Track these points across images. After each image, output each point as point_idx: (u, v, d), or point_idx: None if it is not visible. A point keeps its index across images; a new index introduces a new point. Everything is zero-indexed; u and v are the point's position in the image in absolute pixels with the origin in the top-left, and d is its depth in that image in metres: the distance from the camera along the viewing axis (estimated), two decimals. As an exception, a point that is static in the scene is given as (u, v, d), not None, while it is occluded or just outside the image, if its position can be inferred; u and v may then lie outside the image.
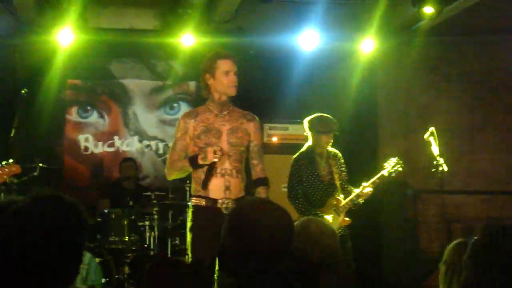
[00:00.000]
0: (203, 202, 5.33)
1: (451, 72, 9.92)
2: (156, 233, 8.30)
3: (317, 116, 6.89)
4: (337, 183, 6.91)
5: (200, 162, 5.25)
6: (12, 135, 6.65)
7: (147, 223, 8.36)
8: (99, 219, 8.33)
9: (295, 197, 6.73)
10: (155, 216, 8.32)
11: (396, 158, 7.12)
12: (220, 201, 5.29)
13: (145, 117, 10.18)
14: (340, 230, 6.58)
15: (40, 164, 6.96)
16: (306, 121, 6.92)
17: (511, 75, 9.83)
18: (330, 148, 6.94)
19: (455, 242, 3.67)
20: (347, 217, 6.84)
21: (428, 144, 7.00)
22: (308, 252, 3.00)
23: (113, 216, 8.31)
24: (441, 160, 6.90)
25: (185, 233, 5.68)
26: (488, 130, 9.82)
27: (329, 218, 6.62)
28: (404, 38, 9.46)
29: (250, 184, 5.55)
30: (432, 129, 7.02)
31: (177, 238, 8.41)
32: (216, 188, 5.30)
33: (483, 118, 9.83)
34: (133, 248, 8.32)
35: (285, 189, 7.00)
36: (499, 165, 9.74)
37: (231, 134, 5.41)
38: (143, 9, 9.34)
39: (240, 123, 5.49)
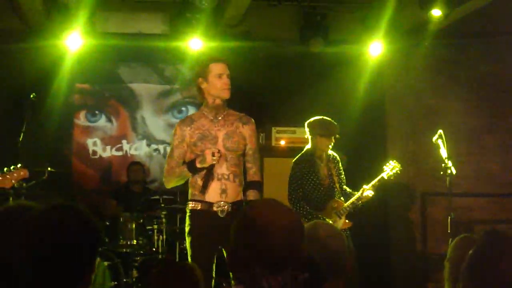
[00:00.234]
0: (199, 206, 5.34)
1: (459, 74, 9.90)
2: (164, 236, 8.31)
3: (318, 119, 6.90)
4: (337, 185, 6.92)
5: (199, 165, 5.25)
6: (20, 139, 6.66)
7: (155, 226, 8.37)
8: (107, 223, 8.36)
9: (296, 200, 6.72)
10: (163, 220, 8.32)
11: (394, 160, 7.15)
12: (215, 204, 5.30)
13: (153, 121, 10.19)
14: (341, 232, 6.59)
15: (49, 168, 6.97)
16: (307, 124, 6.93)
17: (519, 77, 9.81)
18: (329, 151, 6.95)
19: (458, 237, 3.65)
20: (347, 219, 6.86)
21: (436, 146, 7.00)
22: (315, 256, 3.00)
23: (121, 219, 8.33)
24: (449, 163, 6.90)
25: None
26: (496, 132, 9.80)
27: (330, 221, 6.62)
28: (412, 41, 9.46)
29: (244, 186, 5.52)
30: (440, 131, 7.01)
31: (185, 241, 8.42)
32: (213, 191, 5.31)
33: (491, 120, 9.81)
34: (142, 251, 8.34)
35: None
36: (507, 167, 9.72)
37: (227, 139, 5.39)
38: (151, 14, 9.36)
39: (235, 127, 5.46)
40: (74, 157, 10.01)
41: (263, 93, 9.85)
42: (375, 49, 9.27)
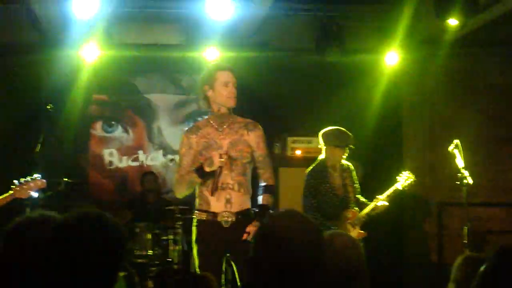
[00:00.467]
0: (204, 216, 5.36)
1: (476, 84, 9.86)
2: (180, 246, 8.31)
3: (332, 129, 6.87)
4: (351, 195, 6.89)
5: (207, 169, 5.24)
6: (37, 150, 6.70)
7: (170, 237, 8.38)
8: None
9: (309, 210, 6.68)
10: (179, 230, 8.33)
11: (408, 171, 7.12)
12: (220, 214, 5.30)
13: (170, 131, 10.21)
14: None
15: (65, 179, 7.00)
16: (321, 134, 6.90)
17: (536, 87, 9.76)
18: (343, 161, 6.93)
19: (461, 257, 3.57)
20: (362, 229, 6.84)
21: (453, 156, 6.96)
22: (332, 266, 2.98)
23: (137, 230, 8.34)
24: (466, 173, 6.86)
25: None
26: (513, 142, 9.75)
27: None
28: (428, 50, 9.42)
29: (256, 191, 5.51)
30: (456, 141, 6.97)
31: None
32: (217, 202, 5.31)
33: (508, 130, 9.75)
34: (157, 262, 8.35)
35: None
36: (525, 177, 9.66)
37: (231, 148, 5.36)
38: (167, 24, 9.40)
39: (240, 135, 5.43)
40: (90, 167, 10.05)
41: (278, 103, 9.86)
42: (391, 58, 9.25)
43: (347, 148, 6.85)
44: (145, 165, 10.13)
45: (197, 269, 5.30)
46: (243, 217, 5.29)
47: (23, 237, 2.60)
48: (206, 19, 8.18)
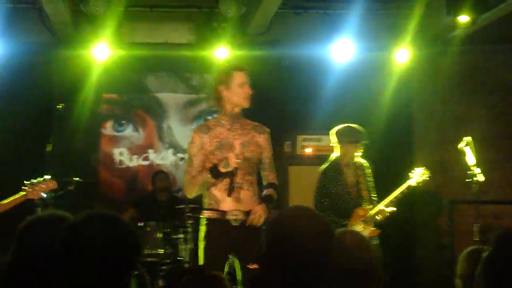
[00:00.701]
0: (214, 215, 5.38)
1: (487, 81, 9.82)
2: (191, 245, 8.32)
3: (344, 126, 6.84)
4: (365, 193, 6.86)
5: (222, 170, 5.26)
6: (48, 149, 6.71)
7: (181, 235, 8.38)
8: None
9: (321, 210, 6.63)
10: (189, 229, 8.33)
11: (423, 168, 7.06)
12: (229, 213, 5.34)
13: (180, 130, 10.22)
14: (369, 240, 6.53)
15: (76, 178, 7.01)
16: (334, 132, 6.87)
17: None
18: (357, 159, 6.90)
19: (465, 251, 3.56)
20: (376, 227, 6.80)
21: (464, 153, 6.93)
22: (343, 265, 2.98)
23: (147, 228, 8.35)
24: (477, 170, 6.81)
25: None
26: (524, 139, 9.70)
27: (357, 229, 6.56)
28: (439, 47, 9.40)
29: (260, 189, 5.56)
30: (468, 138, 6.93)
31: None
32: (227, 200, 5.33)
33: (519, 127, 9.71)
34: (168, 260, 8.35)
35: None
36: (536, 174, 9.62)
37: (243, 148, 5.42)
38: (177, 23, 9.40)
39: (251, 137, 5.49)
40: (101, 167, 10.07)
41: (288, 101, 9.85)
42: (401, 55, 9.23)
43: (361, 144, 6.82)
44: (155, 164, 10.14)
45: (200, 262, 5.35)
46: None
47: (35, 236, 2.61)
48: (216, 17, 8.20)
